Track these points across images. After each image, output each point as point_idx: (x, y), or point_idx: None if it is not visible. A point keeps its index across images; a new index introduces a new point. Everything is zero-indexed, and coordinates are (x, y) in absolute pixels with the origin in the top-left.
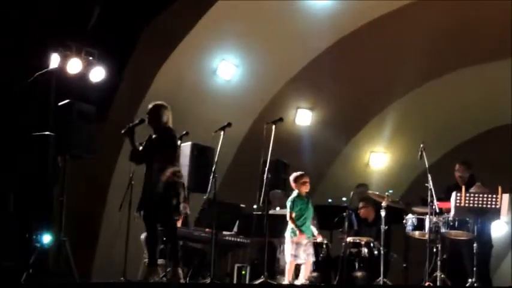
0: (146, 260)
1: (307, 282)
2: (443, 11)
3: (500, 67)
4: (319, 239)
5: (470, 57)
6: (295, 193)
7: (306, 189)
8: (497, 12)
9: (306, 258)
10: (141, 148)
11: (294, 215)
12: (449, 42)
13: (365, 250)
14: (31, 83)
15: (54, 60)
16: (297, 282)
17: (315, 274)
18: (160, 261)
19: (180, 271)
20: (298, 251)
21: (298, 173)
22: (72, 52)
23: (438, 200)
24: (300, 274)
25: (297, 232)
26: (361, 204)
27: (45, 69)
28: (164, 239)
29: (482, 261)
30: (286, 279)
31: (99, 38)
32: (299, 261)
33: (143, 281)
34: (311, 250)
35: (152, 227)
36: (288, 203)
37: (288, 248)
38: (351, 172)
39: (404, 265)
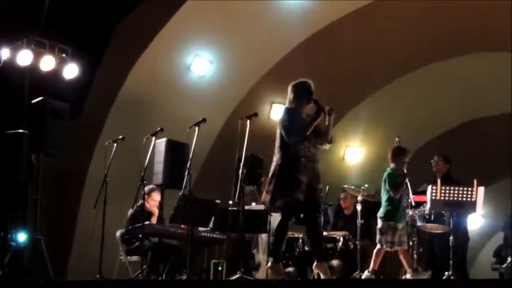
0: (122, 257)
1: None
2: (415, 6)
3: (474, 61)
4: None
5: (444, 51)
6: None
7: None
8: (470, 6)
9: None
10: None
11: None
12: (422, 37)
13: (341, 244)
14: None
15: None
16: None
17: (291, 269)
18: (134, 258)
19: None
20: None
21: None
22: (46, 49)
23: (414, 193)
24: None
25: None
26: (342, 195)
27: None
28: (140, 236)
29: (459, 254)
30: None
31: (73, 35)
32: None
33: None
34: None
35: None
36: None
37: None
38: (327, 166)
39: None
